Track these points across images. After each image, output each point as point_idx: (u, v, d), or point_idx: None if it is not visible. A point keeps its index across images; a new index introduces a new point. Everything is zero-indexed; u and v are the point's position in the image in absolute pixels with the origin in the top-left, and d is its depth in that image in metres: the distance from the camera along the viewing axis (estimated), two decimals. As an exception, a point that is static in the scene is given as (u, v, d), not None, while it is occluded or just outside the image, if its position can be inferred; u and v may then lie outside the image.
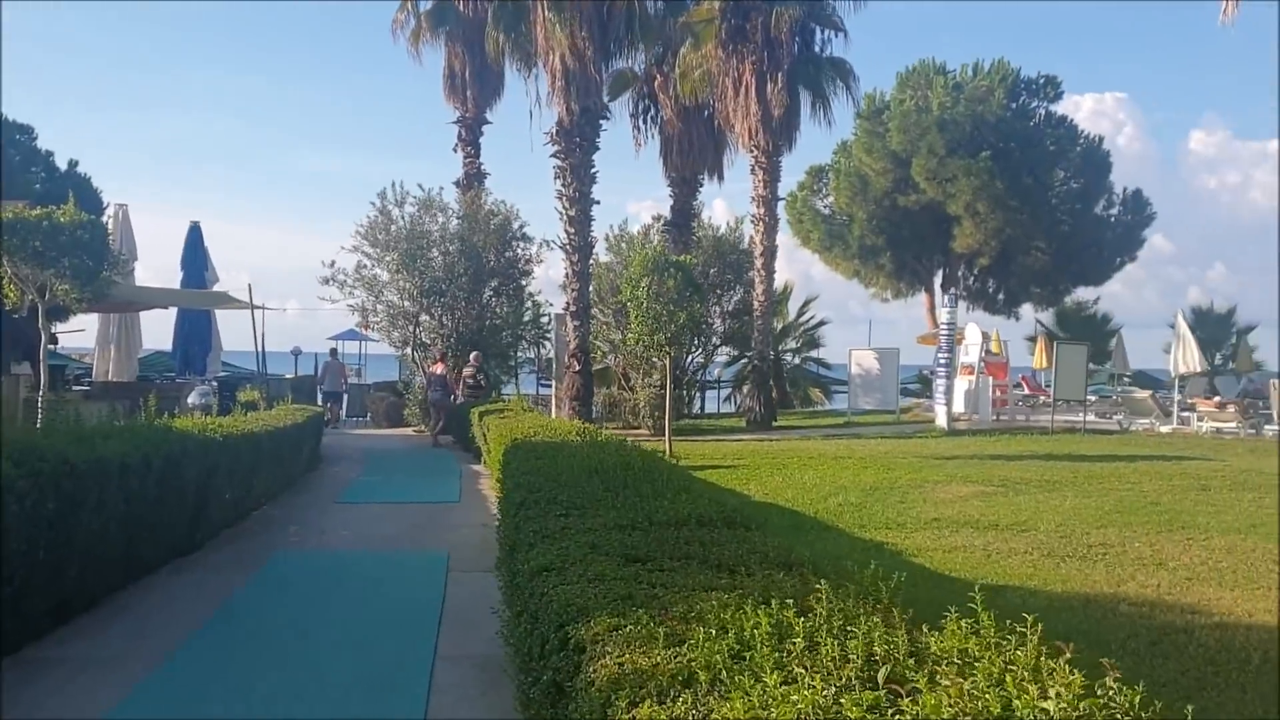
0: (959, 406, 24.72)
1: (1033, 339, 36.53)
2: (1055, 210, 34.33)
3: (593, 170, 22.76)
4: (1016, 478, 14.04)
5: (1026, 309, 38.91)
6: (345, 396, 28.35)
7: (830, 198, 38.09)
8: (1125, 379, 36.63)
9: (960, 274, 37.74)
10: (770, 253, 25.36)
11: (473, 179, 30.21)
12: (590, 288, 23.71)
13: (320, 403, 23.62)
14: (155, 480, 7.77)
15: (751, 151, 25.56)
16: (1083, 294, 39.56)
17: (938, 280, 38.19)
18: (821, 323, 37.04)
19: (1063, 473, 14.53)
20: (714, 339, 28.85)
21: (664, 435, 21.21)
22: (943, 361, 22.19)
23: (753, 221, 25.65)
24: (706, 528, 4.74)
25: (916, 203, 34.62)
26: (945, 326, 22.39)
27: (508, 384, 34.07)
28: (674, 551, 4.15)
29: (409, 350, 25.60)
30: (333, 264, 24.35)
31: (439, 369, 21.76)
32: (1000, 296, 38.03)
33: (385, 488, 14.36)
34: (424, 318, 25.19)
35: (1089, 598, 7.22)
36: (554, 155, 22.73)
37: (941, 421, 21.96)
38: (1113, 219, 35.73)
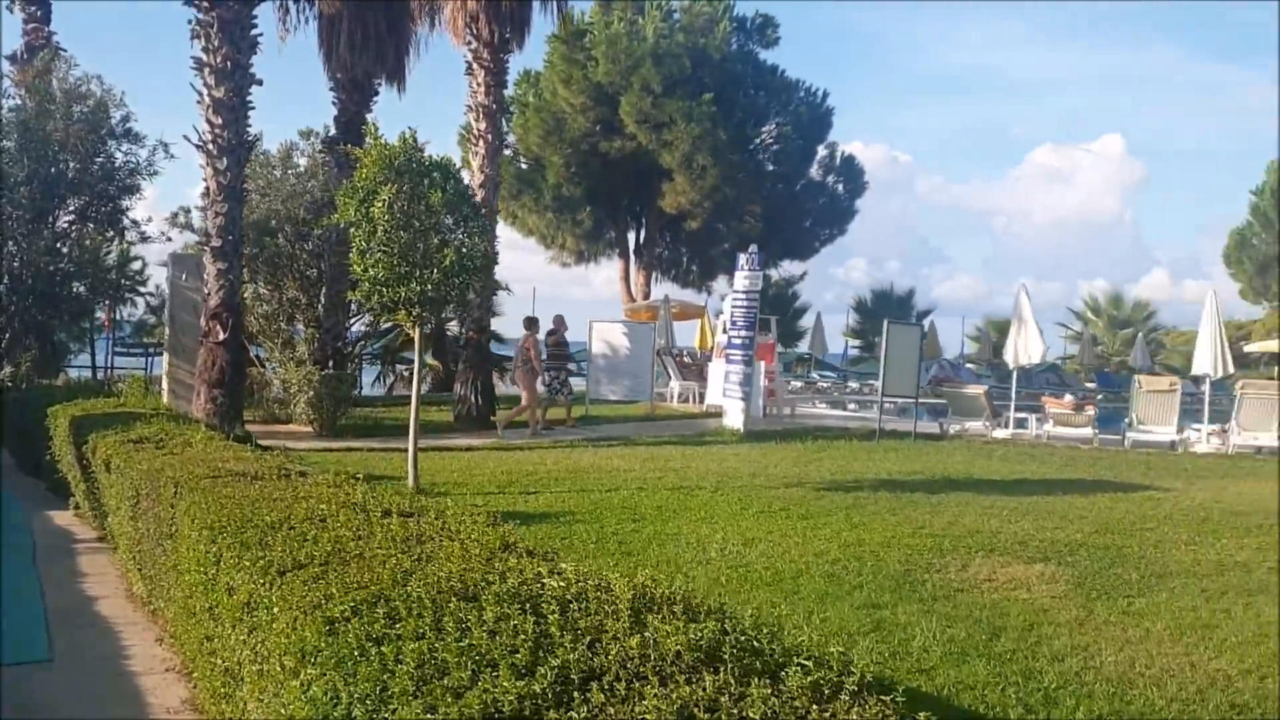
0: (717, 397, 19.70)
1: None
2: (773, 173, 30.46)
3: (254, 32, 14.65)
4: (1023, 536, 8.91)
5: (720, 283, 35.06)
6: None
7: (513, 136, 31.64)
8: (819, 361, 34.22)
9: (656, 238, 33.08)
10: (494, 183, 18.70)
11: (38, 53, 20.62)
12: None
13: None
14: None
15: (469, 43, 18.69)
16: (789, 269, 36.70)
17: (632, 243, 33.25)
18: (498, 288, 30.79)
19: (1053, 523, 9.63)
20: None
21: (335, 440, 15.26)
22: (738, 343, 16.89)
23: (470, 140, 18.79)
24: None
25: (622, 150, 29.23)
26: (743, 295, 17.07)
27: (79, 353, 24.70)
28: None
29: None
30: None
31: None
32: (695, 267, 33.73)
33: None
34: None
35: None
36: (190, 3, 14.40)
37: (735, 421, 16.63)
38: (827, 185, 32.41)
